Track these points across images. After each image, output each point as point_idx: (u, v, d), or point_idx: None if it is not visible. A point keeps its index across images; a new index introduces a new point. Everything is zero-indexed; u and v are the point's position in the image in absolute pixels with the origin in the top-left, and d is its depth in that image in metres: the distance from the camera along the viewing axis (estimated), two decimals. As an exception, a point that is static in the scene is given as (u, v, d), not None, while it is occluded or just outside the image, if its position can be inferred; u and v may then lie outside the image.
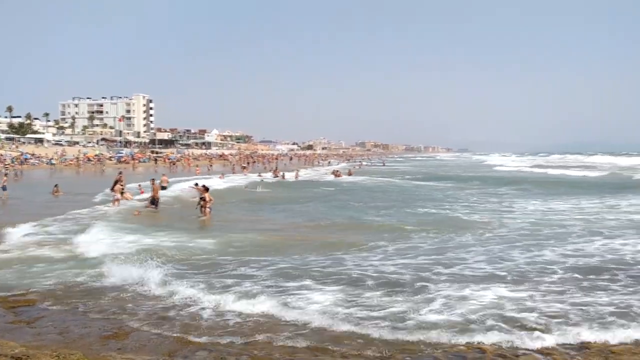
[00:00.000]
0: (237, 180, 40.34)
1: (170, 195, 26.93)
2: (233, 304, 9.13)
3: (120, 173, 30.56)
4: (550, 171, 63.07)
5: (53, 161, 66.70)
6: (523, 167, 75.96)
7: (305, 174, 53.07)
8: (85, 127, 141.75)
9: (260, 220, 20.61)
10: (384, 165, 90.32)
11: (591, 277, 10.86)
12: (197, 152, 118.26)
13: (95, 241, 14.36)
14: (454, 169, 77.23)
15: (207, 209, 20.29)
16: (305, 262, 12.36)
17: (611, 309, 8.76)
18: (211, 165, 70.09)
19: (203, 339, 7.63)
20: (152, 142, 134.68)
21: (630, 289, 9.97)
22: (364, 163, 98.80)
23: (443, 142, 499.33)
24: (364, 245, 14.43)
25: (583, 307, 8.85)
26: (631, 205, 23.92)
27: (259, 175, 43.47)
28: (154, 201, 22.32)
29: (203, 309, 8.97)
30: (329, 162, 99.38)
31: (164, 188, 29.11)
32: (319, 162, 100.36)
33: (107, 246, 13.78)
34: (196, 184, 25.47)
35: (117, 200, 22.88)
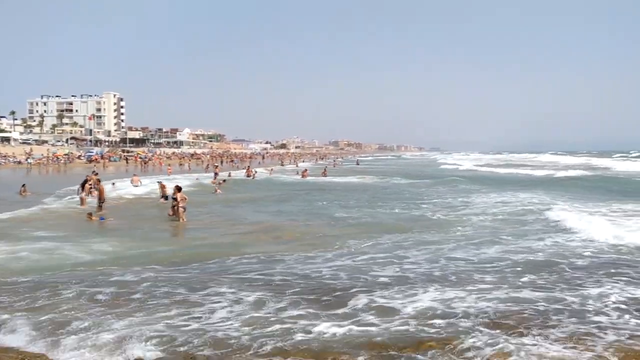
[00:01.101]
0: (209, 179, 40.07)
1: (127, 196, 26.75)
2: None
3: (94, 173, 30.35)
4: (497, 169, 67.13)
5: (30, 160, 65.17)
6: (471, 166, 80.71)
7: (275, 173, 53.08)
8: (54, 125, 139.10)
9: (217, 221, 20.32)
10: (357, 164, 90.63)
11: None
12: (170, 151, 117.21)
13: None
14: (408, 167, 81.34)
15: (181, 209, 19.99)
16: (227, 267, 12.07)
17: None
18: (181, 164, 69.62)
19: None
20: (123, 141, 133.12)
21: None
22: (337, 160, 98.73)
23: (416, 141, 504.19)
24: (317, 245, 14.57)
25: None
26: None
27: (229, 175, 43.20)
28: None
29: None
30: (302, 161, 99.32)
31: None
32: (292, 161, 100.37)
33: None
34: (159, 182, 26.32)
35: (84, 199, 23.06)
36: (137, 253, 13.72)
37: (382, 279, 10.89)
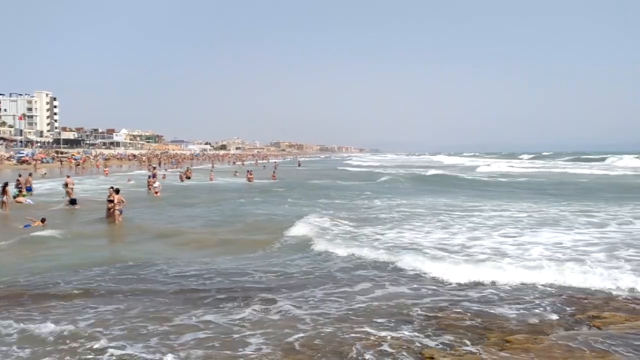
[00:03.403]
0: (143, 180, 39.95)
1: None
2: None
3: (30, 175, 29.96)
4: (375, 169, 74.90)
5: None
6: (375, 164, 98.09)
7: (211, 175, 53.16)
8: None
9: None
10: (299, 165, 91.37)
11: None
12: (107, 152, 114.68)
13: None
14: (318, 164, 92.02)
15: (117, 212, 20.04)
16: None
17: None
18: (120, 166, 68.43)
19: None
20: (57, 141, 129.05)
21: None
22: (276, 161, 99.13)
23: (357, 142, 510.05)
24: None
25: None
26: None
27: (163, 177, 43.08)
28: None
29: None
30: (242, 162, 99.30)
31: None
32: (232, 162, 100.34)
33: None
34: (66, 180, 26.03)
35: (4, 202, 22.91)
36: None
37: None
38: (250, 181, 43.52)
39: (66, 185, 27.52)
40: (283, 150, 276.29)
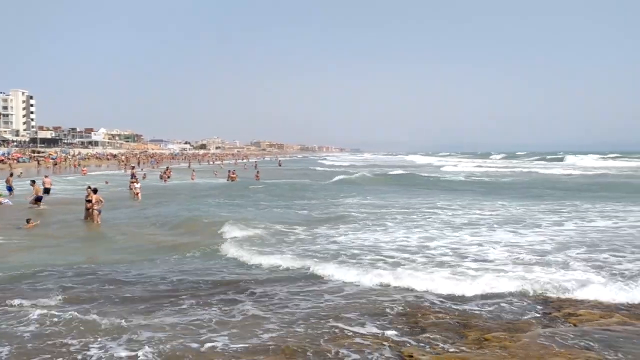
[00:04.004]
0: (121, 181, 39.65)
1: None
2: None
3: (10, 175, 29.67)
4: (343, 169, 76.81)
5: None
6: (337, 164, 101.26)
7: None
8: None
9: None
10: (280, 165, 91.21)
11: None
12: (85, 151, 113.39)
13: None
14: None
15: (96, 212, 19.91)
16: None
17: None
18: (99, 165, 67.71)
19: None
20: (33, 141, 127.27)
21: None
22: (256, 160, 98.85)
23: (339, 142, 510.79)
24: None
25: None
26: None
27: (144, 177, 42.78)
28: None
29: None
30: (222, 162, 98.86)
31: (47, 191, 28.32)
32: (212, 162, 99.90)
33: None
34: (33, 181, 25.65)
35: None
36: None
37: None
38: (233, 180, 43.61)
39: (33, 182, 26.62)
40: (263, 149, 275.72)
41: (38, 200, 24.41)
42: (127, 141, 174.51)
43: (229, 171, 48.37)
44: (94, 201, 19.96)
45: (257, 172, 54.15)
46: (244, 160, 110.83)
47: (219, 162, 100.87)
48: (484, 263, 12.54)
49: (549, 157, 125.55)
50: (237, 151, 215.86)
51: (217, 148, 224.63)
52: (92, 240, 17.15)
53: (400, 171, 63.18)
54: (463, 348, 7.44)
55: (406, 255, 13.37)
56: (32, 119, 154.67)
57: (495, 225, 18.37)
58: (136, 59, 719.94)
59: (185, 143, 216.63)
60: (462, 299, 9.91)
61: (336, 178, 48.03)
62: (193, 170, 52.24)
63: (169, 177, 44.87)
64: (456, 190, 35.44)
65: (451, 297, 9.97)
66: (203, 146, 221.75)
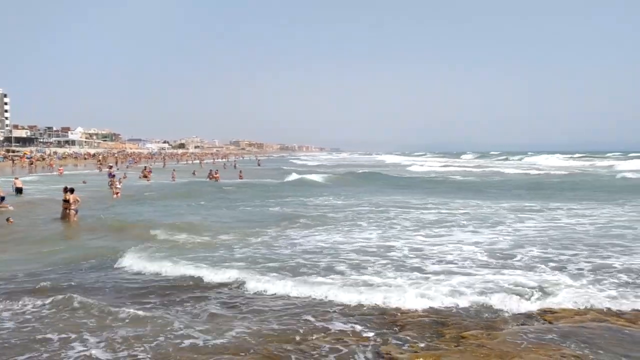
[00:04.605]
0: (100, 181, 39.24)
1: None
2: None
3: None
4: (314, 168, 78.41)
5: None
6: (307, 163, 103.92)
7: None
8: None
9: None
10: (259, 165, 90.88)
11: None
12: (61, 150, 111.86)
13: None
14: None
15: (72, 212, 19.79)
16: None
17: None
18: (76, 165, 66.78)
19: None
20: (8, 140, 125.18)
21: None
22: (235, 160, 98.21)
23: (321, 142, 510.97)
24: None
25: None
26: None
27: (124, 177, 42.38)
28: None
29: None
30: (201, 162, 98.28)
31: (19, 191, 27.98)
32: (190, 161, 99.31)
33: None
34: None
35: None
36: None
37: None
38: (216, 180, 43.46)
39: None
40: (243, 149, 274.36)
41: (1, 200, 23.67)
42: (105, 140, 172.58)
43: (211, 171, 47.98)
44: (71, 201, 19.82)
45: (240, 171, 54.49)
46: (224, 160, 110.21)
47: (197, 161, 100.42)
48: (447, 265, 12.54)
49: (511, 157, 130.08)
50: (216, 150, 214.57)
51: (196, 147, 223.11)
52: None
53: (368, 169, 64.73)
54: (441, 346, 7.53)
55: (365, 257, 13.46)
56: (6, 117, 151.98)
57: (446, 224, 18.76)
58: (113, 57, 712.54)
59: (164, 142, 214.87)
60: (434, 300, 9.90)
61: (290, 178, 47.31)
62: (174, 170, 51.75)
63: (146, 176, 44.46)
64: (407, 187, 37.23)
65: (428, 297, 10.03)
66: (182, 145, 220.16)
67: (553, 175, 53.10)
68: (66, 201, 19.93)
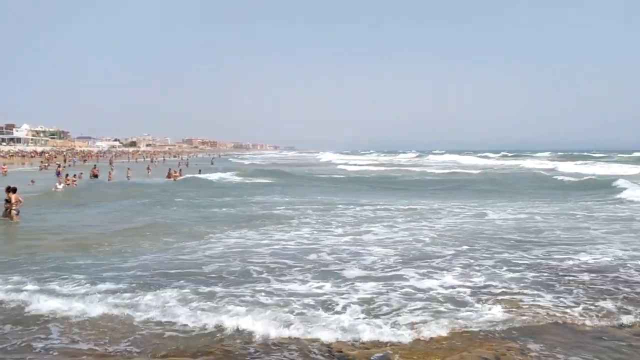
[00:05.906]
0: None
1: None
2: None
3: None
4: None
5: None
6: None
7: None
8: None
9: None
10: (212, 163, 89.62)
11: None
12: (6, 149, 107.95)
13: None
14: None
15: (14, 212, 19.10)
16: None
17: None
18: (5, 165, 64.55)
19: None
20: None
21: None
22: (187, 158, 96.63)
23: (274, 140, 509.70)
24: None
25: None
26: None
27: (81, 175, 41.23)
28: None
29: None
30: (152, 160, 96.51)
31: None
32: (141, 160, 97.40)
33: None
34: None
35: None
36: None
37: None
38: (175, 179, 42.51)
39: None
40: (196, 147, 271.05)
41: None
42: (53, 138, 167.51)
43: (170, 169, 46.77)
44: (13, 201, 19.26)
45: (200, 170, 52.96)
46: (176, 158, 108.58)
47: (148, 159, 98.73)
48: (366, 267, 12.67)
49: (430, 155, 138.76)
50: (169, 148, 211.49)
51: (147, 145, 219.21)
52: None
53: (300, 168, 67.61)
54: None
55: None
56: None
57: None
58: (61, 50, 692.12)
59: (115, 140, 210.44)
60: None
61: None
62: (128, 169, 50.46)
63: (95, 175, 43.41)
64: (300, 186, 37.98)
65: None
66: (133, 143, 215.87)
67: (462, 174, 54.21)
68: (7, 201, 19.33)
